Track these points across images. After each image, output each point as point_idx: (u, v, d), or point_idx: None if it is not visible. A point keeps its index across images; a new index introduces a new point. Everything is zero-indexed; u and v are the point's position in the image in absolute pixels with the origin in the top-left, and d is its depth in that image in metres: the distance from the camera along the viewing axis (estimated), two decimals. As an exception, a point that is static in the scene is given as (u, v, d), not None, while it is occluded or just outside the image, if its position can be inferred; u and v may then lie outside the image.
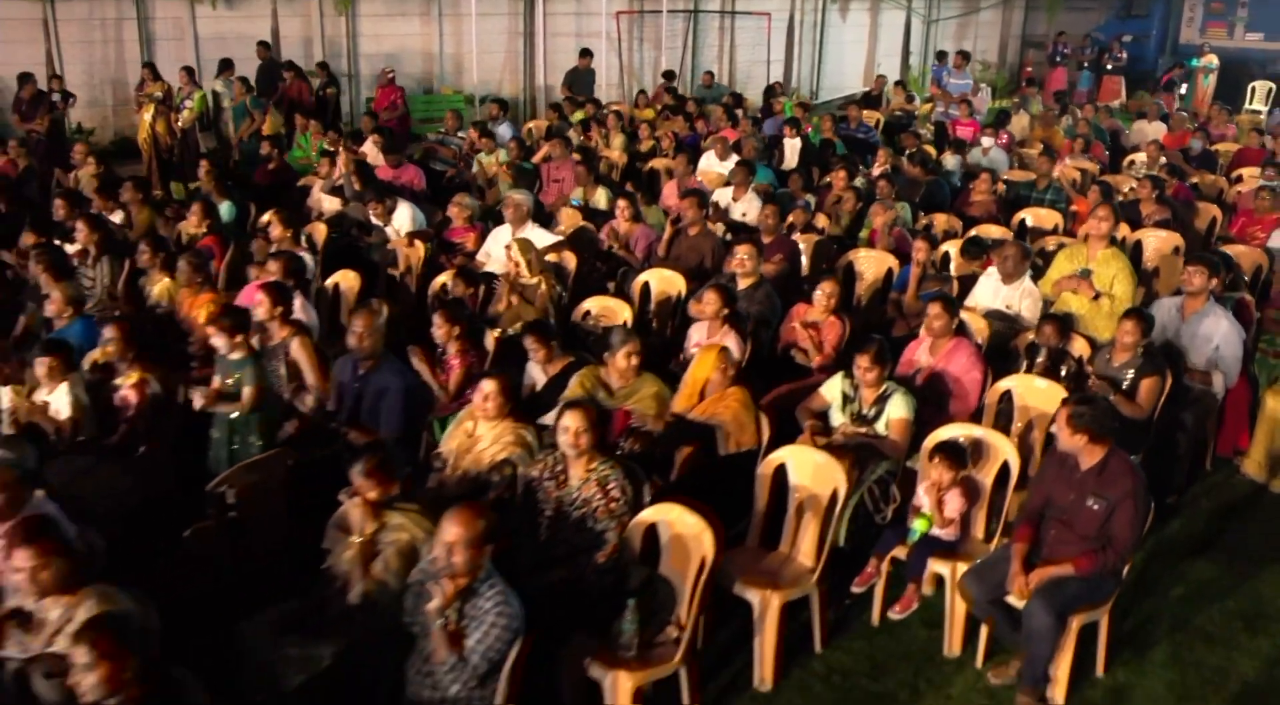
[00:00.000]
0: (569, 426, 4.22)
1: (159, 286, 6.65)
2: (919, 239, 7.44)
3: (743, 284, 6.58)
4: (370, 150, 10.95)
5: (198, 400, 4.92)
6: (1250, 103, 18.70)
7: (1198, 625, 4.98)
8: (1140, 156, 11.52)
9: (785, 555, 4.70)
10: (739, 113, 13.05)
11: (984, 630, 4.65)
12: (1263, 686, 4.57)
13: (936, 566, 4.73)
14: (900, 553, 4.84)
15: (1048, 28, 22.80)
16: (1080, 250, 6.78)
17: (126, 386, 5.10)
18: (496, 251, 7.83)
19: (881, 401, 5.16)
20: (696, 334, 6.13)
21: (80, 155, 10.07)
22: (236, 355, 4.94)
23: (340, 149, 10.19)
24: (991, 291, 6.85)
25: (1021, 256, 6.85)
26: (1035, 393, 5.51)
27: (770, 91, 15.53)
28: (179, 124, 12.86)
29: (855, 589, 4.91)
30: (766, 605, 4.40)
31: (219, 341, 4.91)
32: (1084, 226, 7.06)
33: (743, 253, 6.67)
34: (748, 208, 8.98)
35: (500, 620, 3.43)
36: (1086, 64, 21.16)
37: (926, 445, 4.94)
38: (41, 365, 5.01)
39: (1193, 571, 5.40)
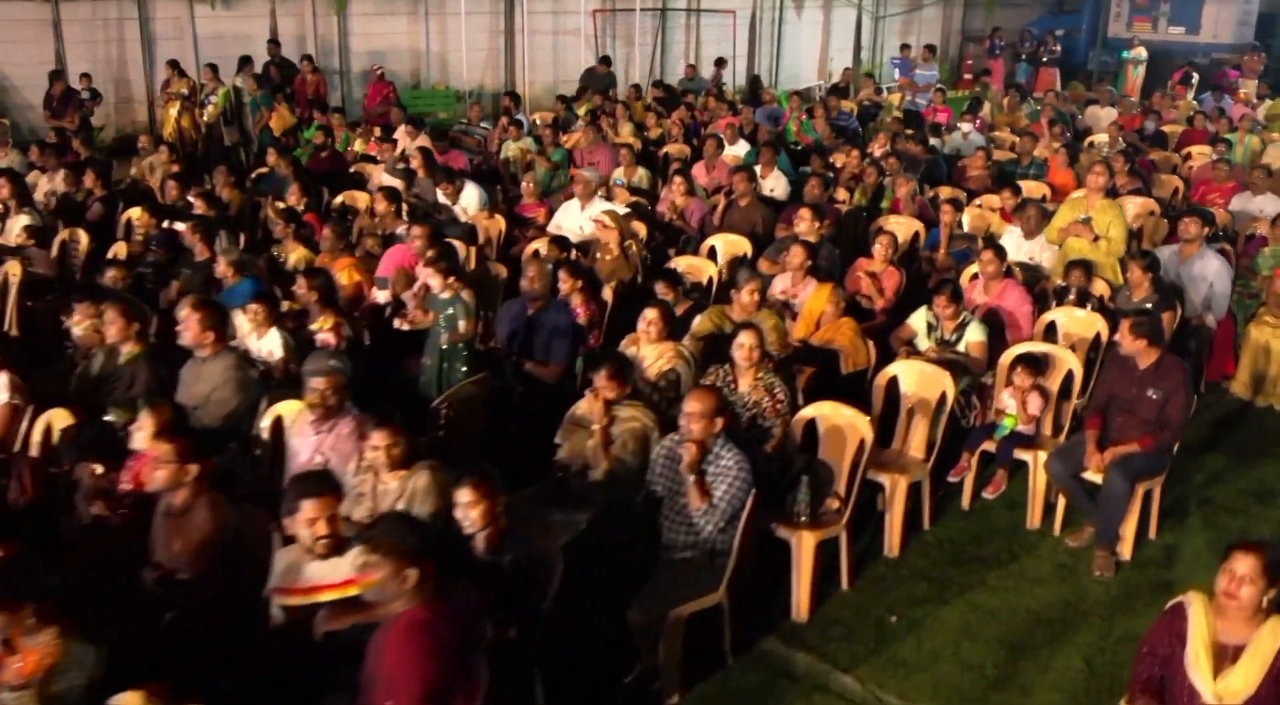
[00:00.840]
0: (744, 343, 5.23)
1: (295, 254, 7.48)
2: (945, 205, 8.58)
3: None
4: (403, 138, 11.81)
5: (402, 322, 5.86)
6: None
7: (1220, 500, 6.17)
8: (1101, 137, 12.84)
9: (899, 450, 5.76)
10: (737, 102, 14.11)
11: (1059, 506, 5.76)
12: None
13: (1021, 455, 5.84)
14: (989, 446, 5.94)
15: (984, 23, 24.32)
16: (1081, 202, 7.98)
17: (324, 330, 5.97)
18: (567, 223, 8.80)
19: (961, 328, 6.26)
20: (780, 284, 7.14)
21: (147, 144, 10.76)
22: (446, 294, 5.85)
23: (403, 135, 11.02)
24: (1014, 246, 8.00)
25: (1041, 216, 8.03)
26: (1076, 322, 6.66)
27: (756, 82, 16.60)
28: (204, 119, 13.55)
29: (951, 479, 5.99)
30: (895, 487, 5.46)
31: (434, 281, 5.82)
32: (1086, 182, 8.23)
33: (806, 215, 7.73)
34: (775, 184, 10.03)
35: (740, 474, 4.43)
36: (1024, 57, 22.69)
37: (1004, 361, 6.06)
38: (251, 313, 5.85)
39: (1207, 463, 6.59)
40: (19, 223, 8.24)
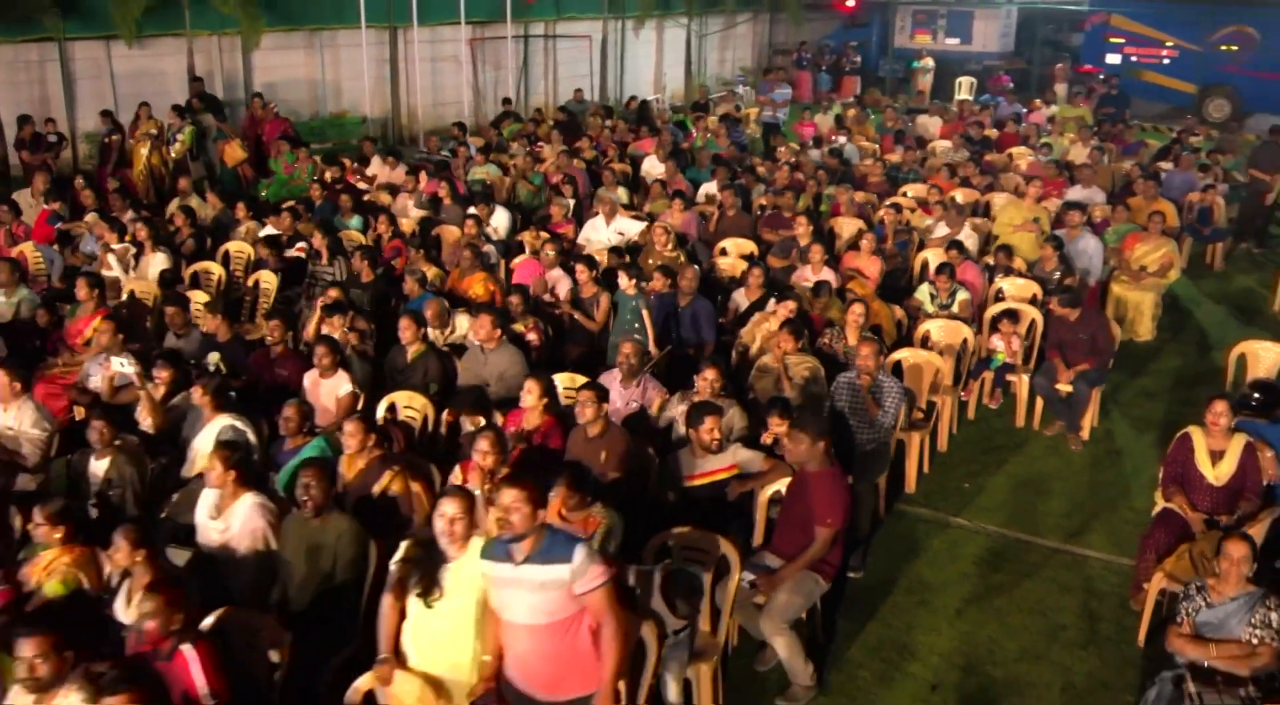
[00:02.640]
0: (857, 311, 7.79)
1: (431, 272, 9.45)
2: (885, 207, 11.39)
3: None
4: (381, 169, 13.68)
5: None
6: (959, 94, 24.10)
7: (1125, 399, 9.19)
8: (944, 143, 16.07)
9: (935, 380, 8.46)
10: (657, 122, 16.59)
11: (1038, 410, 8.61)
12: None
13: (1010, 378, 8.67)
14: (986, 376, 8.74)
15: (786, 37, 27.74)
16: (1019, 205, 11.00)
17: (527, 330, 8.11)
18: (594, 237, 11.05)
19: (952, 295, 9.01)
20: (801, 275, 9.70)
21: (187, 186, 12.26)
22: (631, 292, 8.11)
23: (379, 165, 12.94)
24: (942, 235, 10.89)
25: (958, 213, 10.97)
26: (1017, 288, 9.57)
27: (645, 107, 19.07)
28: (171, 156, 14.86)
29: (962, 397, 8.75)
30: (944, 403, 8.14)
31: (624, 282, 8.07)
32: (1029, 191, 11.28)
33: (803, 221, 10.34)
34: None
35: (896, 390, 6.97)
36: (825, 68, 26.20)
37: (988, 315, 8.87)
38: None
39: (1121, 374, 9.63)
40: (155, 261, 9.81)
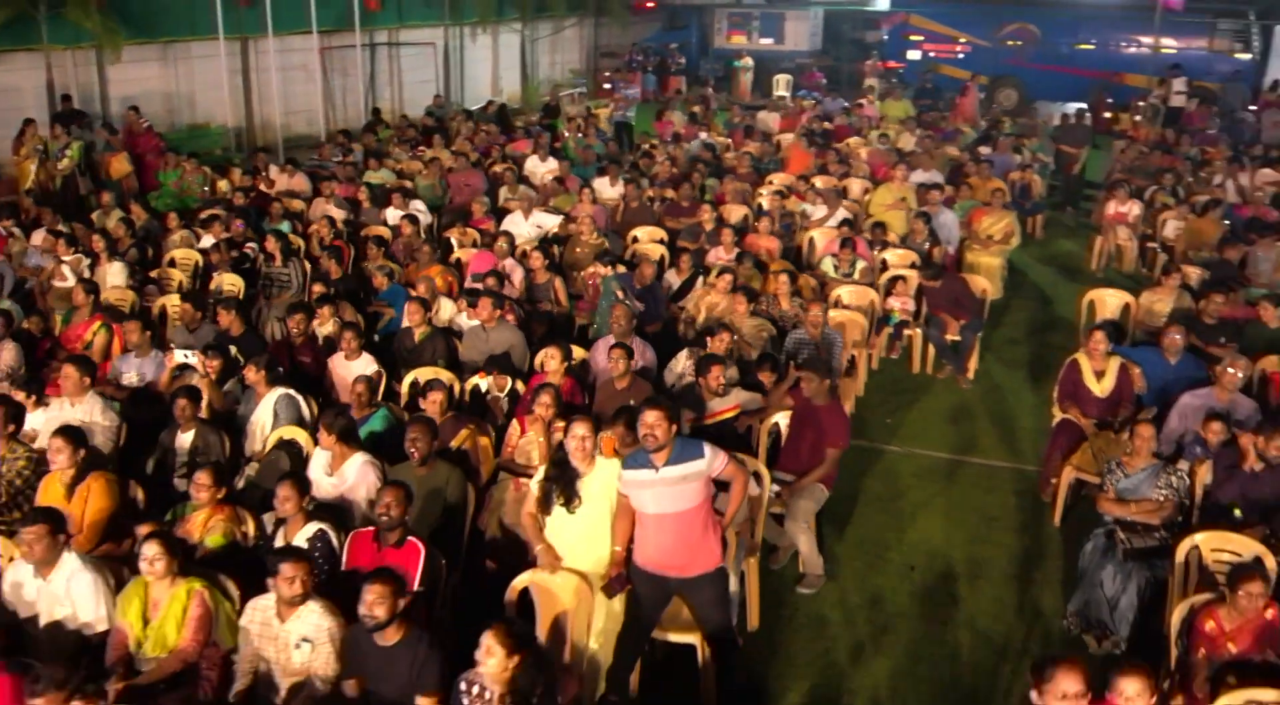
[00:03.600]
0: (783, 281, 9.20)
1: (385, 265, 10.34)
2: (773, 194, 12.90)
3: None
4: (292, 179, 14.30)
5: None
6: (777, 90, 26.06)
7: (993, 342, 10.98)
8: (788, 137, 17.79)
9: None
10: (530, 125, 17.67)
11: (930, 357, 10.25)
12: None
13: (907, 332, 10.29)
14: (885, 331, 10.33)
15: (608, 40, 29.17)
16: (890, 187, 12.69)
17: (504, 312, 9.16)
18: (515, 231, 12.08)
19: (852, 265, 10.57)
20: (713, 255, 11.05)
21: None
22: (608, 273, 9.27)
23: (278, 174, 13.61)
24: (820, 217, 12.49)
25: (834, 197, 12.60)
26: (897, 257, 11.22)
27: (504, 110, 20.07)
28: (60, 171, 15.00)
29: (868, 351, 10.31)
30: (861, 356, 9.66)
31: (603, 272, 9.20)
32: (896, 175, 12.98)
33: (707, 210, 11.73)
34: (617, 189, 13.85)
35: (839, 342, 8.41)
36: (651, 68, 27.77)
37: (881, 281, 10.47)
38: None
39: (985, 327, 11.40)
40: (113, 270, 10.32)
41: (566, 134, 17.47)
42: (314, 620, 4.87)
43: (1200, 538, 5.96)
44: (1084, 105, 20.79)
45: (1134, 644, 6.13)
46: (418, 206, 12.53)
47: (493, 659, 4.35)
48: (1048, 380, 10.15)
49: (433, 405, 6.90)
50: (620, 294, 9.13)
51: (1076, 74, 23.44)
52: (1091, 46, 24.14)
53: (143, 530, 5.63)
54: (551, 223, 12.14)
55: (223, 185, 14.70)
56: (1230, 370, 7.34)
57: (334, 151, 15.74)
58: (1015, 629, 6.54)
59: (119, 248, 11.05)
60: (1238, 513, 6.35)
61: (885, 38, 27.49)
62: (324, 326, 8.61)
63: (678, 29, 28.97)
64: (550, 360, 7.51)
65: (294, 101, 21.29)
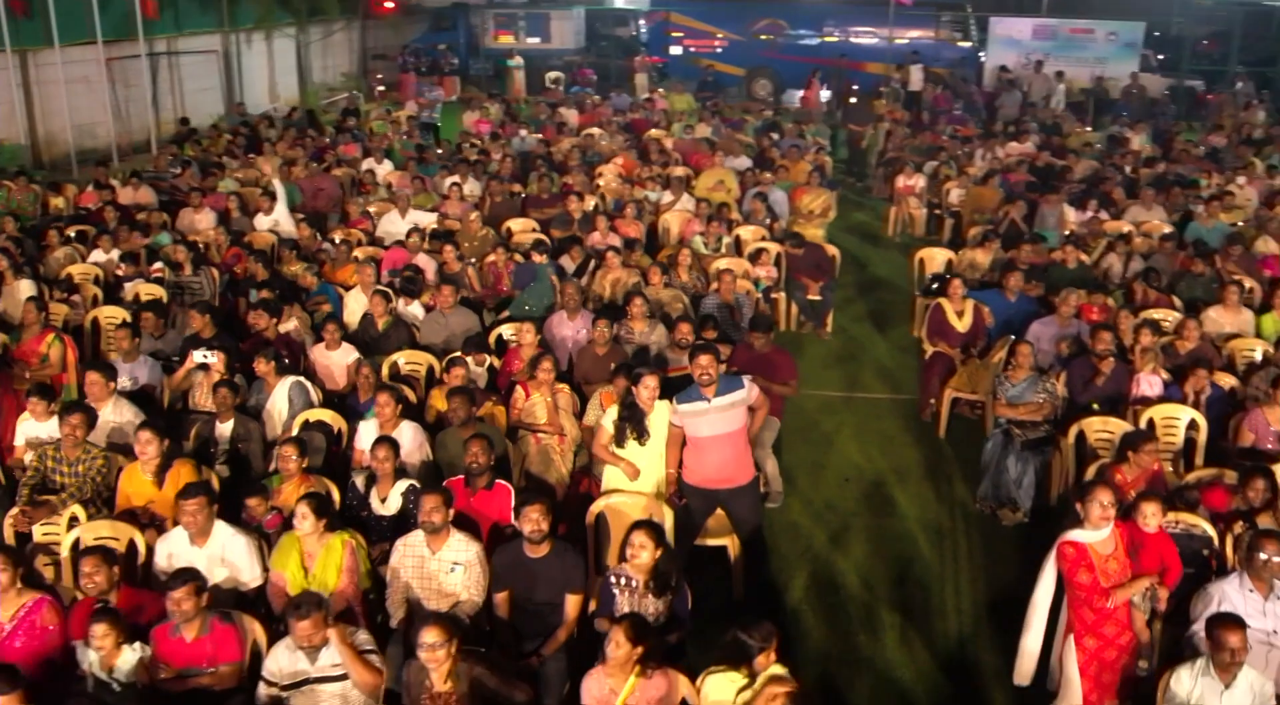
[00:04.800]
0: (682, 263, 10.60)
1: (298, 267, 10.96)
2: (622, 184, 14.24)
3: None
4: (137, 192, 14.41)
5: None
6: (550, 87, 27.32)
7: (840, 299, 12.78)
8: (596, 130, 19.16)
9: (728, 303, 11.48)
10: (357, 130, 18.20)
11: (793, 314, 11.91)
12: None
13: (773, 295, 11.91)
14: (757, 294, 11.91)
15: (375, 43, 29.58)
16: (711, 172, 14.24)
17: (435, 299, 10.11)
18: (393, 230, 12.91)
19: (719, 241, 12.08)
20: (596, 239, 12.31)
21: None
22: (544, 260, 10.30)
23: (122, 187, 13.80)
24: (669, 201, 13.96)
25: (681, 185, 14.10)
26: (749, 233, 12.84)
27: (312, 114, 20.37)
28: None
29: (743, 315, 11.87)
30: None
31: (537, 258, 10.22)
32: (716, 160, 14.52)
33: (574, 200, 12.95)
34: (472, 187, 14.81)
35: (748, 302, 9.90)
36: (425, 69, 28.43)
37: (747, 252, 12.04)
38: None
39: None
40: (22, 287, 10.46)
41: (391, 136, 18.12)
42: (461, 547, 5.86)
43: (1085, 423, 7.81)
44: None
45: (1035, 513, 7.94)
46: (284, 212, 13.02)
47: (645, 552, 5.52)
48: (890, 327, 12.11)
49: (456, 379, 7.86)
50: (555, 277, 10.27)
51: (825, 63, 25.95)
52: (836, 38, 26.81)
53: (253, 502, 6.40)
54: (428, 220, 12.97)
55: (57, 202, 14.63)
56: (1068, 302, 9.29)
57: (170, 162, 15.81)
58: (941, 514, 8.24)
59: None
60: (1095, 406, 8.25)
61: (647, 34, 29.31)
62: (286, 323, 9.27)
63: (444, 30, 29.71)
64: (526, 334, 8.57)
65: (78, 114, 20.76)
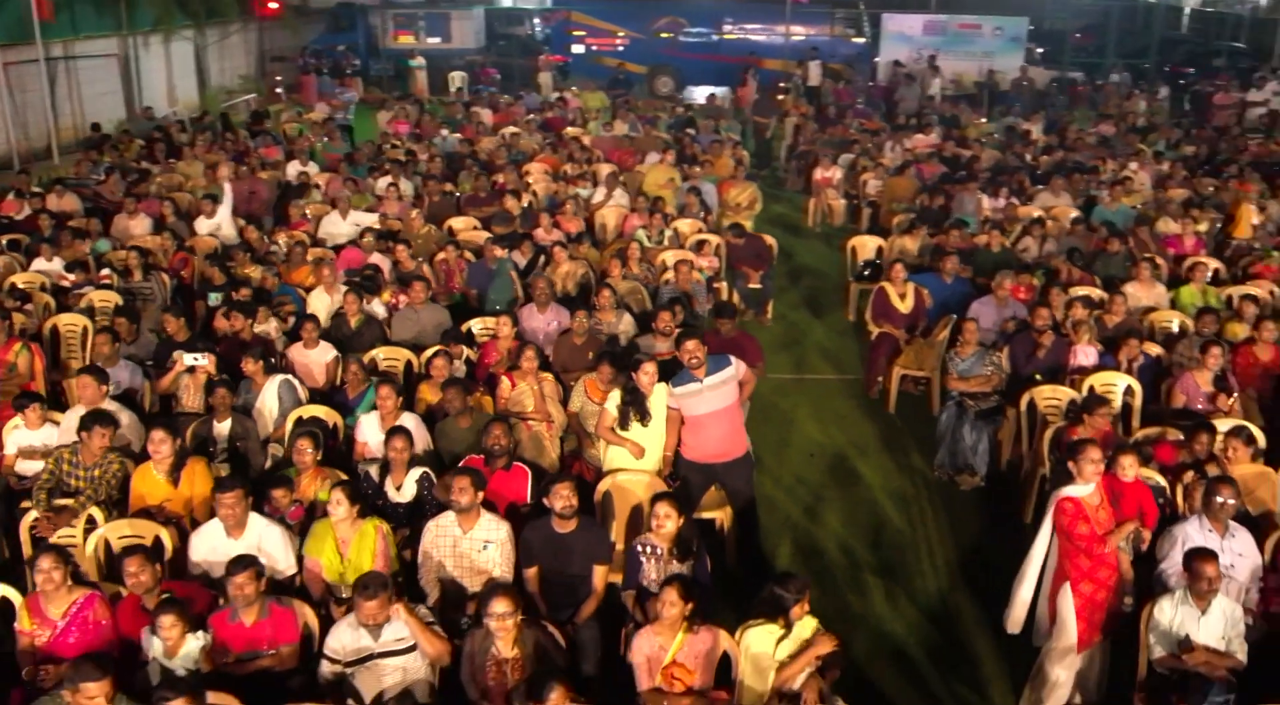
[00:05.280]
0: (635, 246, 11.01)
1: (258, 271, 11.05)
2: (557, 181, 14.56)
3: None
4: (62, 200, 14.20)
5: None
6: (453, 87, 27.42)
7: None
8: (512, 128, 19.40)
9: (675, 293, 11.93)
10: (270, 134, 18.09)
11: (735, 301, 12.42)
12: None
13: (716, 285, 12.39)
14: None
15: (272, 45, 29.24)
16: (659, 168, 14.68)
17: (393, 297, 10.33)
18: (335, 231, 13.04)
19: (660, 235, 12.52)
20: (539, 233, 12.62)
21: None
22: (503, 255, 10.56)
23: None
24: (602, 198, 14.35)
25: (615, 180, 14.49)
26: (688, 226, 13.30)
27: (225, 116, 20.14)
28: None
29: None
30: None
31: (498, 252, 10.47)
32: (666, 157, 14.94)
33: (510, 200, 13.24)
34: (406, 186, 14.96)
35: (703, 289, 10.35)
36: (327, 70, 28.22)
37: (689, 244, 12.50)
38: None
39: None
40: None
41: (313, 138, 18.09)
42: (492, 526, 6.17)
43: (1035, 391, 8.46)
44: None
45: (988, 477, 8.58)
46: (227, 216, 13.03)
47: (670, 522, 5.92)
48: (826, 312, 12.73)
49: (439, 371, 8.13)
50: (514, 273, 10.58)
51: (724, 61, 26.62)
52: (735, 35, 27.50)
53: (278, 493, 6.61)
54: (369, 220, 13.10)
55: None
56: (1004, 284, 9.95)
57: (91, 169, 15.58)
58: (904, 483, 8.83)
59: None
60: (1038, 377, 8.92)
61: (549, 34, 29.61)
62: (264, 324, 9.39)
63: (343, 30, 29.52)
64: (504, 327, 8.88)
65: (-30, 119, 20.23)
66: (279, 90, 27.90)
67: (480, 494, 6.16)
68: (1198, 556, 5.50)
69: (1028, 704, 6.14)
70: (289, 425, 7.93)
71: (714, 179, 15.38)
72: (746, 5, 27.96)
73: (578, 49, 28.28)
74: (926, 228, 12.73)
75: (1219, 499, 6.09)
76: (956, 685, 6.44)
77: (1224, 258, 11.96)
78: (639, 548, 6.05)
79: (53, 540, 6.69)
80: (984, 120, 21.30)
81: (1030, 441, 8.41)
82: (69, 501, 6.78)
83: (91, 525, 6.68)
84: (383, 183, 14.53)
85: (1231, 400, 8.01)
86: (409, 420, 7.50)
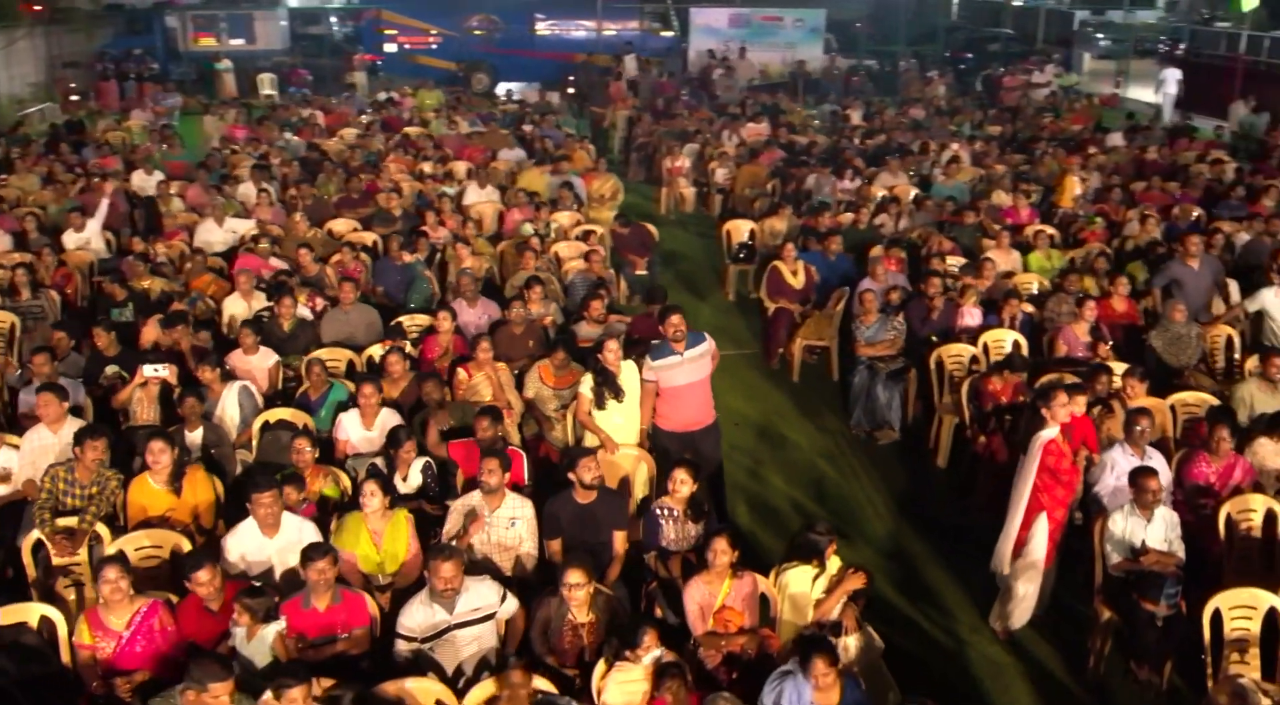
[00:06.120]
0: (534, 243, 11.44)
1: (155, 283, 10.87)
2: (416, 180, 14.75)
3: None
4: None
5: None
6: (263, 89, 26.77)
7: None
8: (351, 131, 19.31)
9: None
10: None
11: (622, 287, 13.01)
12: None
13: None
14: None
15: (61, 50, 27.76)
16: (531, 172, 14.99)
17: (310, 299, 10.44)
18: (211, 239, 12.85)
19: (547, 226, 12.96)
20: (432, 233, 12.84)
21: None
22: (409, 260, 10.72)
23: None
24: (475, 195, 14.66)
25: (483, 173, 14.81)
26: (567, 218, 13.80)
27: (72, 125, 19.18)
28: None
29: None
30: (589, 294, 12.18)
31: (407, 258, 10.63)
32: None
33: (384, 197, 13.40)
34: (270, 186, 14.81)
35: (610, 279, 10.90)
36: (133, 75, 27.09)
37: (574, 235, 13.00)
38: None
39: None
40: None
41: (151, 146, 17.53)
42: (516, 504, 6.57)
43: (943, 350, 9.42)
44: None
45: (903, 432, 9.52)
46: (96, 229, 12.67)
47: (685, 486, 6.49)
48: (706, 293, 13.52)
49: (395, 366, 8.39)
50: (427, 272, 10.85)
51: (541, 57, 27.08)
52: (549, 31, 27.98)
53: (290, 490, 6.79)
54: (245, 227, 12.98)
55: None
56: (878, 268, 10.87)
57: (-79, 186, 14.70)
58: (828, 441, 9.70)
59: None
60: (934, 338, 9.90)
61: (346, 32, 29.27)
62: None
63: (139, 33, 28.30)
64: (443, 322, 9.18)
65: None
66: (73, 97, 26.57)
67: (507, 475, 6.55)
68: (1141, 474, 6.49)
69: (998, 618, 7.00)
70: (255, 430, 8.04)
71: (576, 172, 15.89)
72: (559, 1, 28.44)
73: (390, 48, 28.09)
74: (790, 209, 13.63)
75: (1139, 427, 7.13)
76: (931, 612, 7.26)
77: (1054, 225, 13.35)
78: (658, 511, 6.58)
79: (56, 561, 6.67)
80: (799, 108, 22.54)
81: (940, 395, 9.36)
82: (71, 521, 6.73)
83: (98, 542, 6.68)
84: (247, 188, 14.38)
85: (1107, 347, 9.18)
86: (389, 416, 7.75)
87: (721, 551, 5.78)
